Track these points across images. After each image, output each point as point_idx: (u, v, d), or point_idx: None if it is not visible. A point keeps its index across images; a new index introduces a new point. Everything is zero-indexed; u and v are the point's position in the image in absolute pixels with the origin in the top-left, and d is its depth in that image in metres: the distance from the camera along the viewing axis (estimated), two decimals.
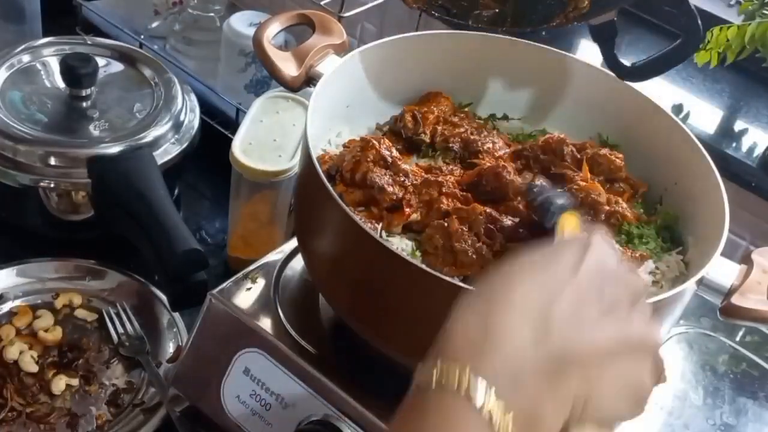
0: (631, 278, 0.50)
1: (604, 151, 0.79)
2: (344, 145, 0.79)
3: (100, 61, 1.04)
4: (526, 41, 0.85)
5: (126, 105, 1.03)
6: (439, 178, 0.73)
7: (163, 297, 0.95)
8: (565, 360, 0.44)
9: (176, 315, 0.94)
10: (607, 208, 0.73)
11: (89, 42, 1.11)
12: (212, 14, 1.33)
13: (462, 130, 0.81)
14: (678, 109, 1.16)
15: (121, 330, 0.92)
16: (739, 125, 1.17)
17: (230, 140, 0.94)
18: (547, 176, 0.78)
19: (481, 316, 0.45)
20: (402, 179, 0.73)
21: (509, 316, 0.45)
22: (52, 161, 0.95)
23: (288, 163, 0.93)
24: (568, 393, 0.44)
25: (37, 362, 0.88)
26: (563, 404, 0.44)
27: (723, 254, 0.67)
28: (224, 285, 0.78)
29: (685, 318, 0.91)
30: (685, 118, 1.14)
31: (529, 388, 0.43)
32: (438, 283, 0.60)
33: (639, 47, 1.28)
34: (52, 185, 0.96)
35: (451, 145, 0.80)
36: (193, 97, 1.09)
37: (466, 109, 0.86)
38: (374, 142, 0.74)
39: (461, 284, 0.61)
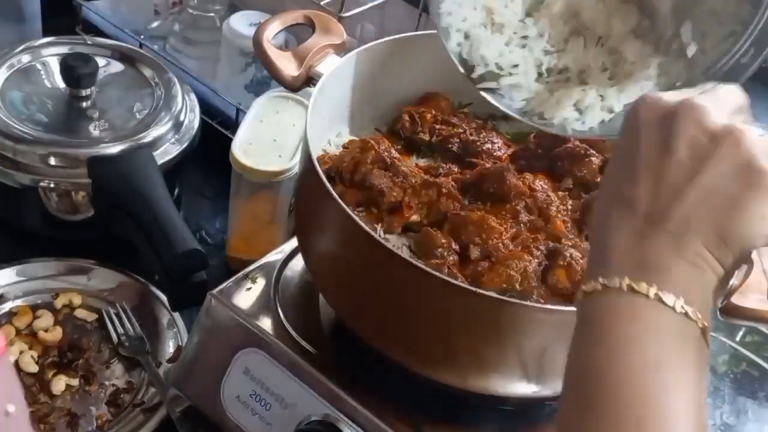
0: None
1: None
2: (344, 146, 0.79)
3: (100, 61, 1.04)
4: None
5: (126, 105, 1.03)
6: (440, 179, 0.73)
7: (163, 297, 0.95)
8: (676, 229, 0.46)
9: (176, 315, 0.94)
10: None
11: (89, 42, 1.11)
12: (212, 14, 1.33)
13: (461, 130, 0.81)
14: None
15: (120, 330, 0.92)
16: None
17: (230, 140, 0.94)
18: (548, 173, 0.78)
19: (597, 226, 0.49)
20: (401, 180, 0.73)
21: (613, 217, 0.48)
22: (52, 161, 0.95)
23: (288, 163, 0.93)
24: (698, 253, 0.46)
25: (37, 362, 0.88)
26: (696, 263, 0.46)
27: None
28: (224, 285, 0.78)
29: None
30: None
31: (661, 265, 0.46)
32: (438, 283, 0.60)
33: None
34: (52, 185, 0.96)
35: (450, 146, 0.80)
36: (193, 97, 1.09)
37: (466, 109, 0.86)
38: (373, 143, 0.74)
39: (461, 284, 0.61)
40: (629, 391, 0.44)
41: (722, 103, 0.49)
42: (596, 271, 0.48)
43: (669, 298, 0.45)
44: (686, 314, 0.45)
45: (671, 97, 0.49)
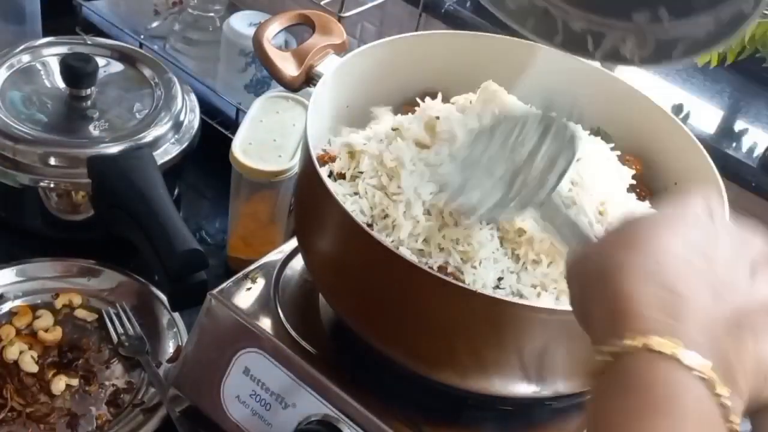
0: (746, 235, 0.49)
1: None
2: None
3: (100, 61, 1.04)
4: (527, 41, 0.84)
5: (126, 105, 1.03)
6: None
7: (163, 297, 0.95)
8: (740, 315, 0.44)
9: (176, 315, 0.94)
10: None
11: (89, 42, 1.11)
12: (212, 14, 1.33)
13: None
14: (678, 109, 1.16)
15: (120, 330, 0.92)
16: (739, 125, 1.17)
17: (230, 140, 0.94)
18: None
19: (656, 283, 0.44)
20: None
21: (685, 280, 0.44)
22: (52, 161, 0.95)
23: (288, 163, 0.93)
24: (748, 348, 0.44)
25: (37, 362, 0.88)
26: (748, 359, 0.44)
27: None
28: (224, 285, 0.78)
29: None
30: (685, 118, 1.14)
31: (722, 347, 0.43)
32: (438, 284, 0.60)
33: None
34: (52, 185, 0.96)
35: None
36: (193, 97, 1.09)
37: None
38: None
39: (461, 284, 0.61)
40: None
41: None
42: (654, 330, 0.42)
43: (723, 391, 0.42)
44: (729, 411, 0.42)
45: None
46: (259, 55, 0.79)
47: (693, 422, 0.41)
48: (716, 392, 0.41)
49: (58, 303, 0.94)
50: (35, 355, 0.88)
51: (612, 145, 0.78)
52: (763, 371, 0.44)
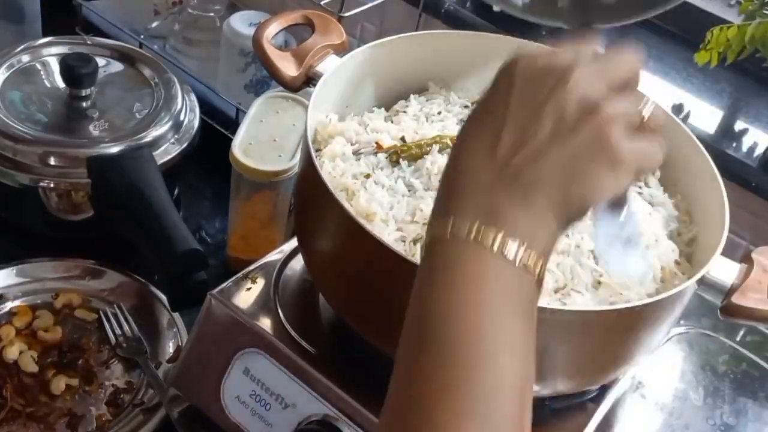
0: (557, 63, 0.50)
1: None
2: None
3: (100, 61, 1.04)
4: (527, 40, 0.84)
5: (126, 105, 1.03)
6: None
7: (163, 297, 0.95)
8: (527, 185, 0.48)
9: (176, 315, 0.94)
10: None
11: (89, 42, 1.11)
12: (212, 14, 1.33)
13: None
14: (678, 109, 1.16)
15: (118, 331, 0.92)
16: (739, 125, 1.17)
17: (230, 140, 0.94)
18: None
19: (451, 169, 0.51)
20: None
21: (470, 163, 0.50)
22: (52, 161, 0.95)
23: (288, 163, 0.93)
24: (540, 205, 0.48)
25: (36, 362, 0.88)
26: (540, 216, 0.48)
27: (723, 254, 0.67)
28: (224, 285, 0.78)
29: (685, 318, 0.91)
30: (685, 118, 1.14)
31: (509, 215, 0.48)
32: None
33: None
34: (51, 185, 0.96)
35: None
36: (193, 97, 1.09)
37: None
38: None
39: None
40: (465, 331, 0.47)
41: (608, 75, 0.50)
42: (446, 212, 0.49)
43: (512, 248, 0.47)
44: (525, 266, 0.47)
45: (554, 56, 0.50)
46: (259, 55, 0.79)
47: (472, 278, 0.47)
48: (492, 246, 0.47)
49: (58, 303, 0.94)
50: (35, 355, 0.88)
51: None
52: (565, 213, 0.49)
